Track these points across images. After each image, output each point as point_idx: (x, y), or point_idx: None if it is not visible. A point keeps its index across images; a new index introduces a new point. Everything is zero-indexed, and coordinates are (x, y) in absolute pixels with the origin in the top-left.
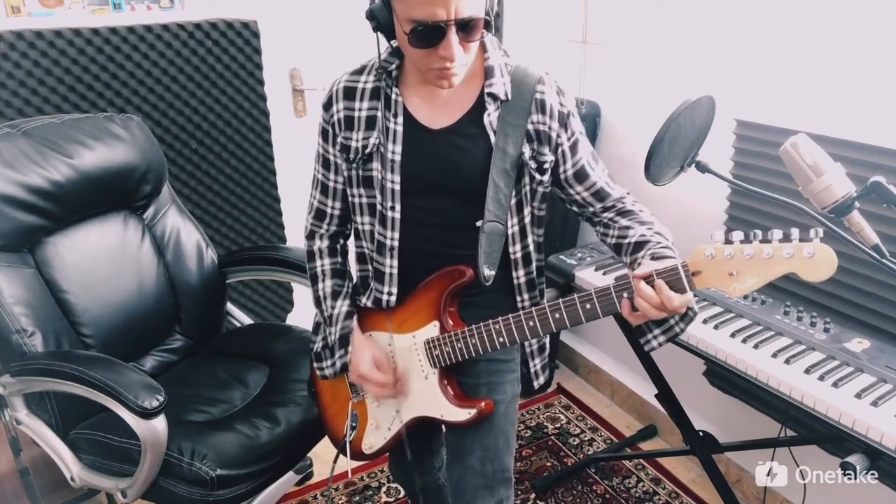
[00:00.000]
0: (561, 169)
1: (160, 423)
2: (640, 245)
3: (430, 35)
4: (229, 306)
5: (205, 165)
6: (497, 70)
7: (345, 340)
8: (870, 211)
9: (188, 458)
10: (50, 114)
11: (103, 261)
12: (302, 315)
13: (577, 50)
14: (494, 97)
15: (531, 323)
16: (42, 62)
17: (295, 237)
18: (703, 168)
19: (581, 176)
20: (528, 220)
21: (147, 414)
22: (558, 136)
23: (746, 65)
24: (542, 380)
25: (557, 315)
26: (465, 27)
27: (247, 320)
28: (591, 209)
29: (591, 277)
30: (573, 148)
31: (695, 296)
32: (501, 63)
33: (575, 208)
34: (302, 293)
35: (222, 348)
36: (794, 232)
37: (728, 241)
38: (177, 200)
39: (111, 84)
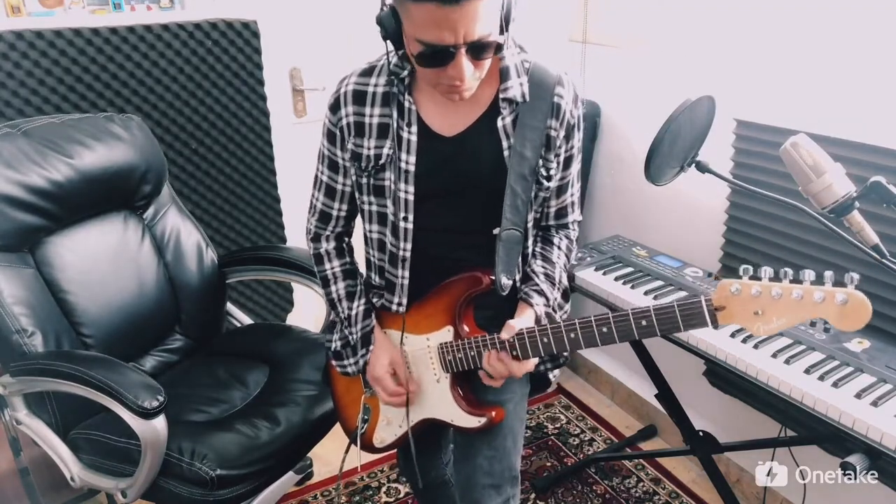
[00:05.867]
0: None
1: (160, 423)
2: (525, 278)
3: (438, 57)
4: (229, 306)
5: (205, 165)
6: (513, 71)
7: (367, 339)
8: (870, 211)
9: (188, 458)
10: (50, 114)
11: (103, 261)
12: (302, 315)
13: (577, 50)
14: (510, 101)
15: (545, 339)
16: (42, 62)
17: (295, 237)
18: (703, 168)
19: (559, 192)
20: (530, 224)
21: (147, 414)
22: (560, 145)
23: (746, 65)
24: (554, 382)
25: (573, 335)
26: (476, 48)
27: (247, 320)
28: (541, 222)
29: (590, 277)
30: (567, 162)
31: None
32: (517, 62)
33: None
34: (302, 293)
35: (222, 348)
36: (828, 274)
37: (755, 277)
38: (177, 200)
39: (111, 84)
